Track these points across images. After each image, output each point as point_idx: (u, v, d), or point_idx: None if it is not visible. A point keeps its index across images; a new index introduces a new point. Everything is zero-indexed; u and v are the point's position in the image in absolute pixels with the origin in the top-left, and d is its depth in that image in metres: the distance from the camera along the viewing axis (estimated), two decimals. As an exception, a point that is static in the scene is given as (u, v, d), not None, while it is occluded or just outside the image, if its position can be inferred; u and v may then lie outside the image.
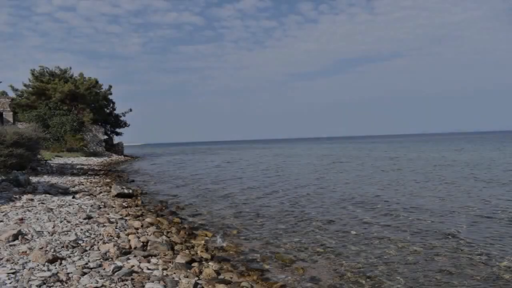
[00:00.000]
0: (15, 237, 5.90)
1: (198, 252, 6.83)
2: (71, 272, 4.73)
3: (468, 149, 42.42)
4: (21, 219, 7.35)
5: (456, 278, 5.67)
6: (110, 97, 49.15)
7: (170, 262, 5.79)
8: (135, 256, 5.79)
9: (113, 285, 4.52)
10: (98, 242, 6.27)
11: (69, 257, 5.35)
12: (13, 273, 4.52)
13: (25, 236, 6.09)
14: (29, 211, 8.28)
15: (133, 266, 5.30)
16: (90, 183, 16.08)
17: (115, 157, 42.42)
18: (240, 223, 9.46)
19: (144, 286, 4.65)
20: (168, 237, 7.42)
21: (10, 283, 4.25)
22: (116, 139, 51.44)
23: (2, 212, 7.93)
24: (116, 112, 50.89)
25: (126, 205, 10.86)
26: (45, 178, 15.74)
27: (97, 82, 46.12)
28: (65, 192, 11.97)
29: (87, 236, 6.56)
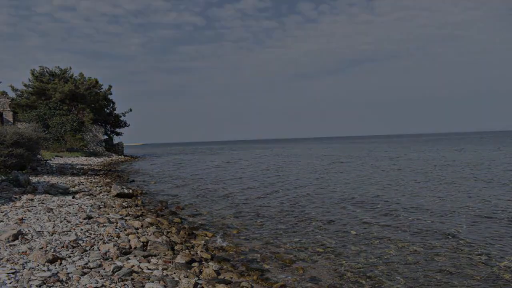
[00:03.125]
0: (15, 237, 5.90)
1: (198, 252, 6.83)
2: (71, 272, 4.74)
3: (468, 149, 42.41)
4: (21, 219, 7.35)
5: (456, 278, 5.67)
6: (110, 97, 49.28)
7: (170, 262, 5.79)
8: (135, 256, 5.80)
9: (113, 285, 4.52)
10: (98, 242, 6.28)
11: (69, 257, 5.35)
12: (13, 273, 4.52)
13: (25, 236, 6.09)
14: (29, 211, 8.27)
15: (133, 266, 5.30)
16: (90, 183, 16.07)
17: (115, 157, 42.44)
18: (240, 223, 9.46)
19: (144, 286, 4.65)
20: (168, 237, 7.42)
21: (10, 283, 4.25)
22: (116, 139, 51.62)
23: (2, 212, 7.92)
24: (116, 112, 51.00)
25: (126, 205, 10.86)
26: (45, 178, 15.74)
27: (97, 82, 46.18)
28: (65, 192, 11.96)
29: (87, 236, 6.56)
